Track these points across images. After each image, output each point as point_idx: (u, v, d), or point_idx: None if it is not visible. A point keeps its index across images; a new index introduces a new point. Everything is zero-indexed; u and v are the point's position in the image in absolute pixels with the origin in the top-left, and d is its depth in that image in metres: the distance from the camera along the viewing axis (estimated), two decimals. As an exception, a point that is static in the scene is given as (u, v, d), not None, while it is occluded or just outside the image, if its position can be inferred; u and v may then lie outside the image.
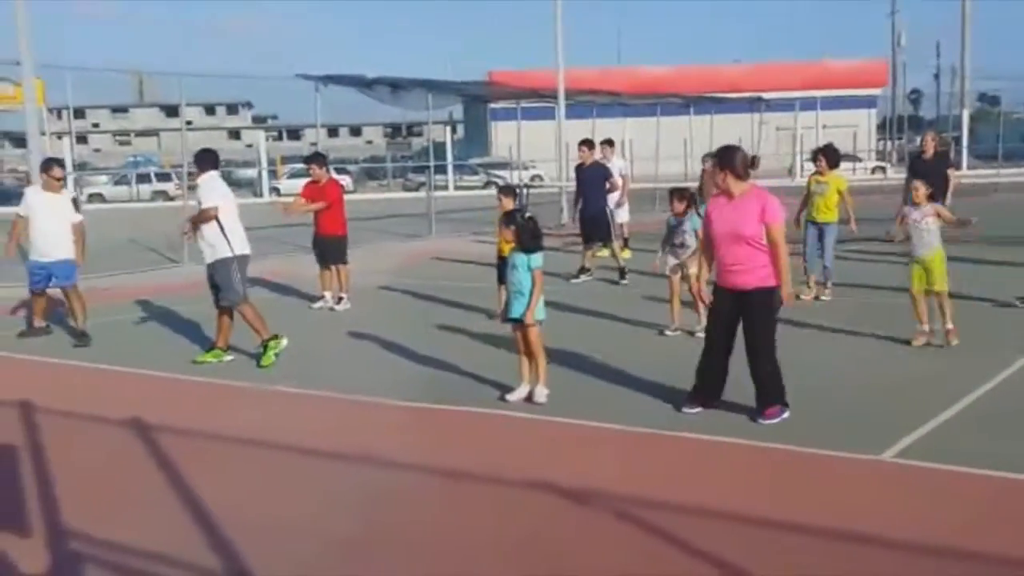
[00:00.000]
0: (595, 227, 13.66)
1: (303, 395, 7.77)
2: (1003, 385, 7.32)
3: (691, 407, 6.75)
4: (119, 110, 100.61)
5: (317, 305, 12.01)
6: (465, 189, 43.01)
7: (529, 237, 7.08)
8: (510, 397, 7.19)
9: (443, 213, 23.60)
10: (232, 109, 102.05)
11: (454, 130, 59.72)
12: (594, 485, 5.39)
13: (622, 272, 13.21)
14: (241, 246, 8.88)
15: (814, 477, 5.63)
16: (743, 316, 6.59)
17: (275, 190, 43.68)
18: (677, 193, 9.78)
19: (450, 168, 45.30)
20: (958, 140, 45.55)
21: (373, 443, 6.38)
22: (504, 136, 47.52)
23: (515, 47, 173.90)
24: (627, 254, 15.15)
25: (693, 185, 15.19)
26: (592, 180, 13.83)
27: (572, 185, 25.51)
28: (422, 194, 28.20)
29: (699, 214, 9.10)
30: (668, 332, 9.48)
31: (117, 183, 47.26)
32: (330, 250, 12.10)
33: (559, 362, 7.96)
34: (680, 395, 6.97)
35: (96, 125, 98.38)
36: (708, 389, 6.79)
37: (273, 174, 46.88)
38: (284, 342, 8.86)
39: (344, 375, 8.37)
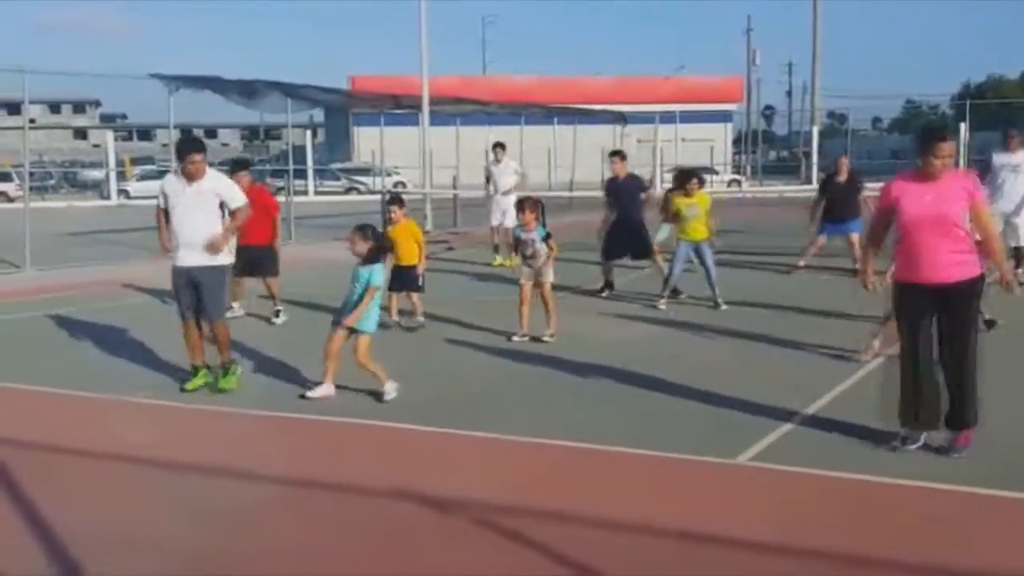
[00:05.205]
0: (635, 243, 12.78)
1: (161, 406, 7.43)
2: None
3: (915, 442, 5.91)
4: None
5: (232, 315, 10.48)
6: (326, 194, 42.31)
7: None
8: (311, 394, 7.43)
9: (303, 219, 23.14)
10: (79, 107, 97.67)
11: (315, 134, 58.62)
12: (456, 494, 5.33)
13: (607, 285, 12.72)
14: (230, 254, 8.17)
15: (672, 481, 5.70)
16: (944, 316, 5.84)
17: (124, 192, 41.97)
18: (528, 203, 9.83)
19: (310, 173, 44.44)
20: (808, 155, 47.53)
21: (231, 455, 6.16)
22: (366, 142, 47.06)
23: (378, 52, 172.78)
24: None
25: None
26: (629, 193, 12.90)
27: (438, 192, 25.32)
28: (281, 199, 27.57)
29: None
30: (515, 338, 9.59)
31: (-49, 183, 44.51)
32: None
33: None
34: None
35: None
36: (928, 413, 5.90)
37: (122, 175, 45.00)
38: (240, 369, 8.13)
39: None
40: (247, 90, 22.96)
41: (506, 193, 16.39)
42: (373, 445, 6.52)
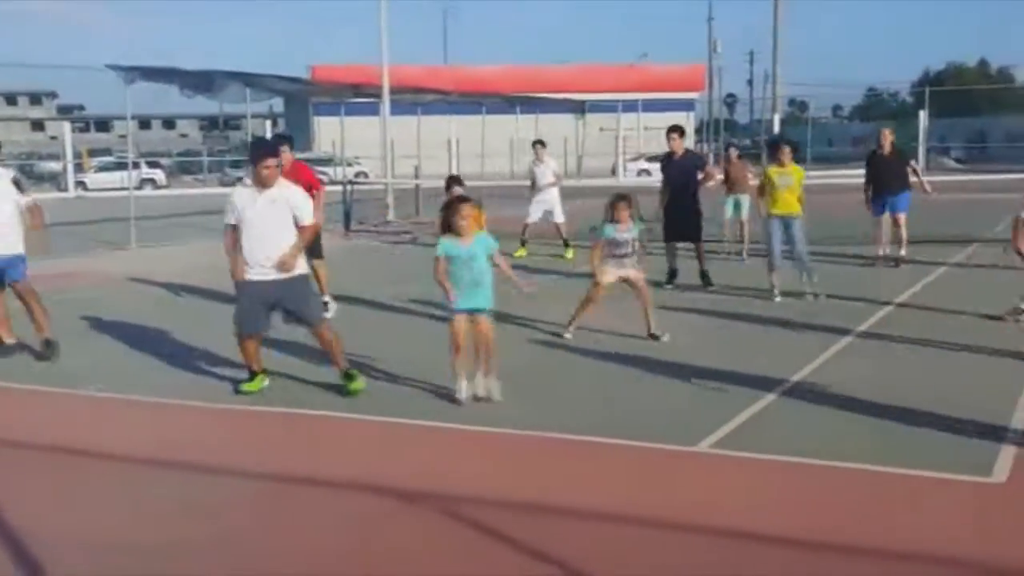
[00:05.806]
0: (686, 224, 11.99)
1: (119, 400, 7.28)
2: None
3: None
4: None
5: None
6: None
7: None
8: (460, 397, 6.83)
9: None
10: (36, 99, 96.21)
11: (274, 123, 57.95)
12: (427, 485, 5.26)
13: (672, 274, 12.02)
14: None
15: (646, 470, 5.65)
16: None
17: (81, 184, 41.35)
18: (622, 202, 8.80)
19: (271, 163, 43.93)
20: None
21: (194, 449, 6.02)
22: (327, 131, 46.67)
23: (339, 41, 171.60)
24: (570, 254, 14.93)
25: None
26: (683, 172, 12.06)
27: (399, 182, 25.15)
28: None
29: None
30: (566, 335, 8.99)
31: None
32: None
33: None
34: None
35: None
36: None
37: (79, 167, 44.36)
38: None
39: (158, 377, 7.87)
40: (205, 80, 22.60)
41: (546, 188, 15.88)
42: (365, 440, 6.41)
